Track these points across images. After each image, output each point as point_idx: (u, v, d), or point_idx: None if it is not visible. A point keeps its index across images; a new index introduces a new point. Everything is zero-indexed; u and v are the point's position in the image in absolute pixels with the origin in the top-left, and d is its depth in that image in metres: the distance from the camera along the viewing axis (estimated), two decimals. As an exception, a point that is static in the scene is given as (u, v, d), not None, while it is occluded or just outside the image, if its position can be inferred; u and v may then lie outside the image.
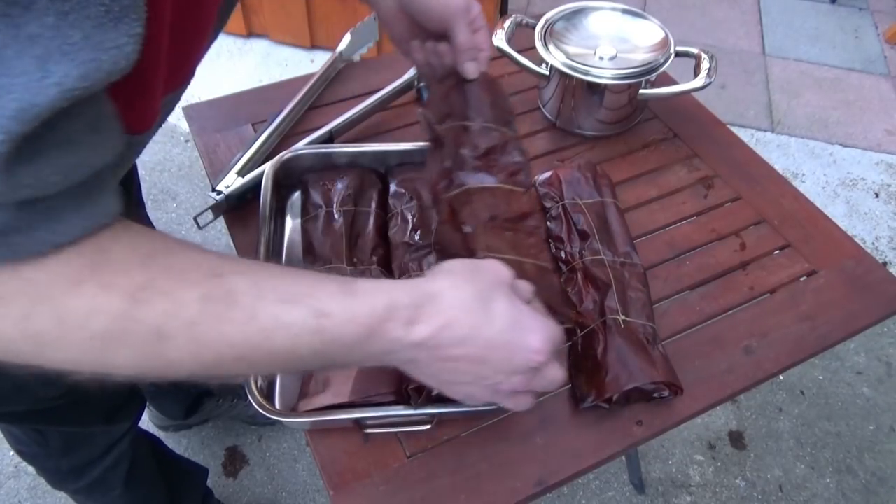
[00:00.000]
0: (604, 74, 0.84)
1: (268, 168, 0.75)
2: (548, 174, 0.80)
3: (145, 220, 0.93)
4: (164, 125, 0.58)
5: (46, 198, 0.31)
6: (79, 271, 0.33)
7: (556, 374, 0.48)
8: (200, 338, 0.35)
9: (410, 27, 0.66)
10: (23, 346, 0.33)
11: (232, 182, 0.78)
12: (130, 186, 0.89)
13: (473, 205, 0.61)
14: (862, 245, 0.80)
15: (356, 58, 1.00)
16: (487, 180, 0.63)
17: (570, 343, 0.69)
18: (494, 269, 0.47)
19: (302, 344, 0.38)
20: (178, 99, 0.51)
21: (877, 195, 1.97)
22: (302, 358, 0.39)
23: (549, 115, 0.94)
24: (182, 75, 0.47)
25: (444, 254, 0.61)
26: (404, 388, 0.59)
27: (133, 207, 0.88)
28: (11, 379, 0.69)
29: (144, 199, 1.66)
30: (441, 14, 0.61)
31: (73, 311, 0.32)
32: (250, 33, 2.25)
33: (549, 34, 0.89)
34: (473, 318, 0.43)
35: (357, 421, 0.61)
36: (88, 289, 0.32)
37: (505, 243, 0.59)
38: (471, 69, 0.63)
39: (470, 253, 0.58)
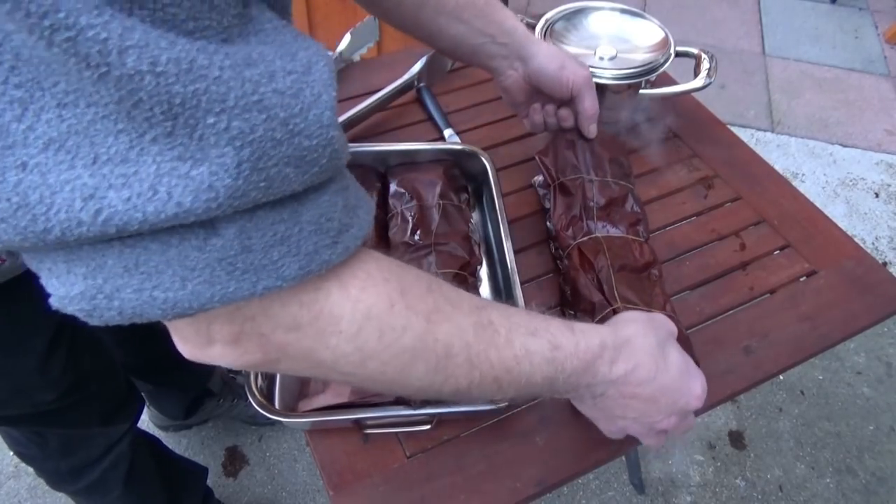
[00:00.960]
0: (604, 74, 0.84)
1: (268, 168, 0.75)
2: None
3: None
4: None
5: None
6: (391, 294, 0.37)
7: (694, 420, 0.55)
8: (474, 358, 0.40)
9: (531, 93, 0.74)
10: (351, 357, 0.37)
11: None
12: None
13: (605, 253, 0.68)
14: (862, 245, 0.80)
15: (356, 58, 1.00)
16: (613, 231, 0.71)
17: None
18: (666, 323, 0.54)
19: (539, 371, 0.43)
20: None
21: (877, 195, 1.97)
22: (535, 384, 0.44)
23: (549, 115, 0.94)
24: None
25: (575, 296, 0.69)
26: (404, 389, 0.59)
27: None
28: (10, 382, 0.69)
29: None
30: (572, 85, 0.70)
31: (391, 327, 0.37)
32: (250, 33, 2.25)
33: (549, 34, 0.89)
34: (655, 364, 0.50)
35: (357, 421, 0.61)
36: (400, 310, 0.37)
37: (634, 293, 0.66)
38: (594, 131, 0.75)
39: (604, 299, 0.65)
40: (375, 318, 0.36)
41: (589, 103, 0.72)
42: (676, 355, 0.52)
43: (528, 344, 0.43)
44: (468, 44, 0.69)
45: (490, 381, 0.42)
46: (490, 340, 0.41)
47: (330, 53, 0.30)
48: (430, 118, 0.92)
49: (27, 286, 0.53)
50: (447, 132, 0.89)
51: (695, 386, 0.52)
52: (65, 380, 0.75)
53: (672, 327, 0.55)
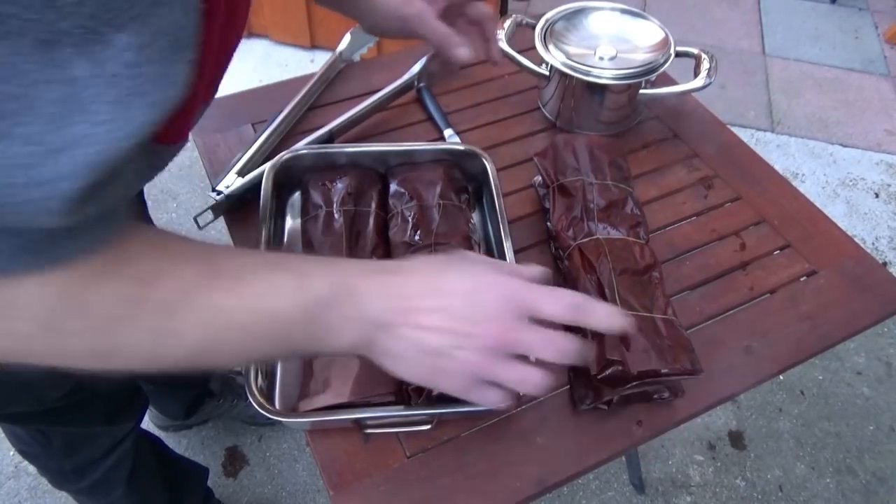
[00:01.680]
0: (604, 74, 0.84)
1: (268, 168, 0.75)
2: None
3: (147, 220, 0.93)
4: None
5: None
6: (100, 266, 0.35)
7: (527, 371, 0.45)
8: (204, 313, 0.37)
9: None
10: (45, 342, 0.36)
11: (232, 182, 0.78)
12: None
13: (607, 256, 0.68)
14: (862, 245, 0.80)
15: (356, 58, 1.00)
16: (614, 233, 0.71)
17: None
18: (460, 251, 0.52)
19: (292, 304, 0.40)
20: (205, 109, 0.54)
21: (877, 195, 1.97)
22: (293, 321, 0.40)
23: (549, 115, 0.94)
24: (216, 87, 0.50)
25: None
26: (404, 388, 0.59)
27: (138, 207, 0.88)
28: (16, 380, 0.70)
29: (145, 199, 1.65)
30: (406, 29, 0.68)
31: (96, 300, 0.35)
32: (250, 33, 2.25)
33: (549, 34, 0.89)
34: (438, 269, 0.45)
35: (357, 421, 0.61)
36: (108, 279, 0.35)
37: (635, 297, 0.65)
38: (461, 53, 0.69)
39: (603, 301, 0.63)
40: (76, 298, 0.34)
41: (436, 39, 0.69)
42: (467, 264, 0.46)
43: (272, 280, 0.40)
44: None
45: (229, 329, 0.39)
46: (222, 286, 0.38)
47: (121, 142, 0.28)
48: (430, 118, 0.92)
49: None
50: (447, 132, 0.89)
51: (506, 281, 0.44)
52: (72, 377, 0.75)
53: (467, 252, 0.51)
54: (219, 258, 0.39)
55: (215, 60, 0.43)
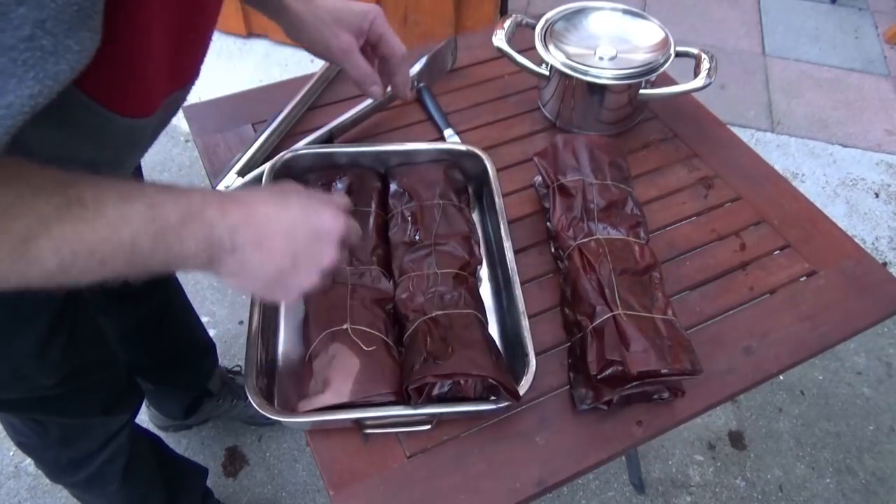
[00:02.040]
0: (604, 74, 0.84)
1: (268, 168, 0.75)
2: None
3: None
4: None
5: None
6: None
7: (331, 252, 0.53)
8: (58, 239, 0.40)
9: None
10: None
11: (232, 182, 0.78)
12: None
13: (607, 256, 0.68)
14: (862, 245, 0.80)
15: (356, 58, 1.00)
16: (614, 233, 0.71)
17: (569, 344, 0.69)
18: (285, 183, 0.55)
19: (143, 232, 0.43)
20: (184, 97, 0.54)
21: (877, 195, 1.97)
22: (145, 248, 0.44)
23: (549, 115, 0.94)
24: (189, 74, 0.49)
25: (575, 297, 0.68)
26: (404, 388, 0.60)
27: None
28: (10, 365, 0.70)
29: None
30: (330, 58, 0.72)
31: None
32: (250, 33, 2.25)
33: (549, 34, 0.89)
34: (277, 201, 0.51)
35: (357, 421, 0.61)
36: None
37: (635, 298, 0.65)
38: (374, 92, 0.75)
39: (605, 305, 0.65)
40: None
41: (355, 73, 0.73)
42: (296, 194, 0.53)
43: (123, 209, 0.43)
44: None
45: (86, 256, 0.42)
46: (77, 216, 0.41)
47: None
48: (430, 118, 0.92)
49: None
50: (447, 132, 0.89)
51: (323, 211, 0.52)
52: (64, 366, 0.75)
53: (291, 184, 0.57)
54: (77, 188, 0.42)
55: (175, 45, 0.44)
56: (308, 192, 0.55)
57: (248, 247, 0.48)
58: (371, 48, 0.75)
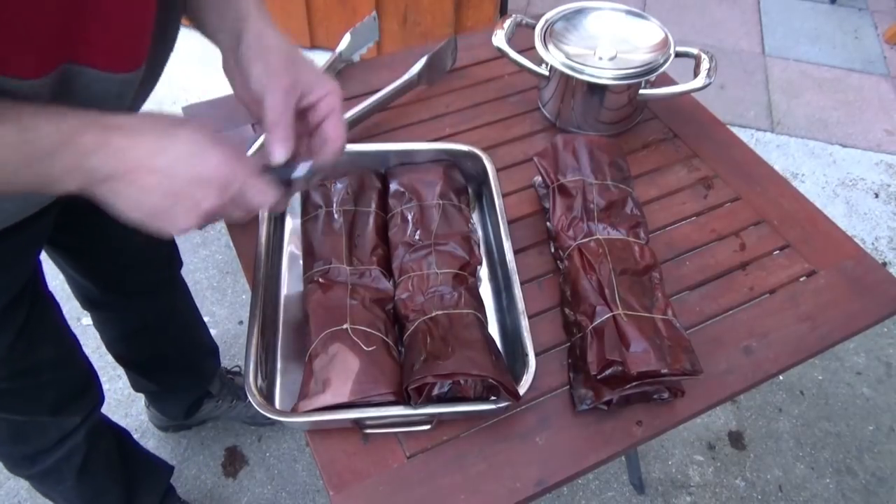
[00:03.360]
0: (604, 74, 0.84)
1: (268, 168, 0.75)
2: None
3: None
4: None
5: None
6: None
7: (257, 194, 0.51)
8: None
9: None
10: None
11: (232, 182, 0.78)
12: None
13: (607, 256, 0.68)
14: (862, 245, 0.80)
15: (356, 58, 1.00)
16: (614, 233, 0.71)
17: (569, 344, 0.69)
18: (193, 121, 0.52)
19: (10, 157, 0.43)
20: (130, 84, 0.54)
21: (876, 195, 1.97)
22: (9, 171, 0.43)
23: (549, 116, 0.94)
24: (95, 49, 0.49)
25: (575, 297, 0.68)
26: (404, 388, 0.60)
27: None
28: None
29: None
30: (248, 92, 0.59)
31: None
32: (250, 33, 2.25)
33: (549, 34, 0.89)
34: (158, 139, 0.48)
35: (357, 421, 0.61)
36: None
37: (635, 298, 0.65)
38: (275, 153, 0.56)
39: (605, 305, 0.64)
40: None
41: (268, 115, 0.56)
42: (188, 131, 0.49)
43: None
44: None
45: None
46: None
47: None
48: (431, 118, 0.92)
49: None
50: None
51: (209, 157, 0.49)
52: (13, 362, 0.75)
53: (196, 121, 0.53)
54: None
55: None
56: (206, 130, 0.51)
57: (120, 180, 0.47)
58: (305, 112, 0.59)
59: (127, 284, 0.97)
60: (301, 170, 0.54)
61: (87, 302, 1.01)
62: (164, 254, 1.01)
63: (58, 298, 0.81)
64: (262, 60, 0.57)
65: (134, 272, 0.96)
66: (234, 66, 0.60)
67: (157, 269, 1.02)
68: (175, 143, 0.48)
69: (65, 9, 0.44)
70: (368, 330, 0.64)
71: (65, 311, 0.83)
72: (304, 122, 0.59)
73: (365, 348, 0.62)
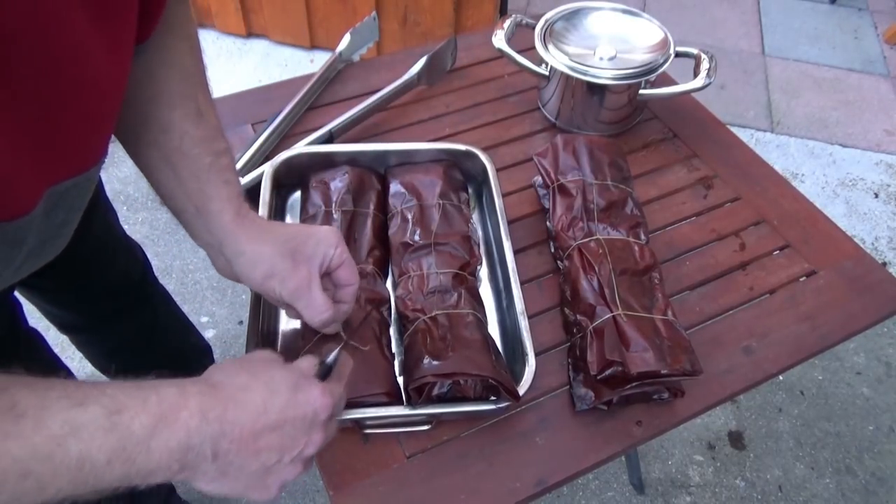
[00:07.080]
0: (604, 74, 0.84)
1: (267, 168, 0.75)
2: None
3: (118, 231, 0.90)
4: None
5: None
6: None
7: (335, 426, 0.50)
8: None
9: None
10: None
11: (232, 182, 0.78)
12: (93, 211, 0.78)
13: (607, 257, 0.68)
14: (861, 245, 0.80)
15: (356, 58, 1.00)
16: (614, 233, 0.71)
17: (569, 344, 0.69)
18: (261, 355, 0.48)
19: (96, 447, 0.35)
20: (90, 179, 0.48)
21: (876, 195, 1.97)
22: (100, 465, 0.35)
23: (549, 116, 0.94)
24: (76, 163, 0.44)
25: (574, 298, 0.68)
26: (405, 388, 0.59)
27: (103, 226, 0.84)
28: None
29: (145, 201, 1.64)
30: (280, 296, 0.57)
31: None
32: (250, 33, 2.25)
33: (549, 34, 0.89)
34: (259, 391, 0.43)
35: (357, 421, 0.61)
36: None
37: (635, 298, 0.65)
38: (332, 330, 0.60)
39: (605, 305, 0.64)
40: None
41: (309, 312, 0.56)
42: (279, 372, 0.46)
43: (74, 417, 0.34)
44: (174, 202, 0.56)
45: (17, 478, 0.32)
46: (9, 430, 0.33)
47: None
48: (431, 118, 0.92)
49: None
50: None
51: (311, 392, 0.45)
52: None
53: (270, 355, 0.49)
54: (11, 393, 0.34)
55: (42, 133, 0.37)
56: (282, 361, 0.48)
57: (232, 452, 0.41)
58: (325, 276, 0.59)
59: (101, 309, 0.95)
60: (332, 355, 0.52)
61: (63, 327, 0.98)
62: (135, 276, 0.97)
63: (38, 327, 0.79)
64: (261, 268, 0.55)
65: (106, 298, 0.93)
66: (225, 265, 0.58)
67: (129, 291, 0.98)
68: (278, 391, 0.44)
69: (36, 142, 0.38)
70: (363, 330, 0.64)
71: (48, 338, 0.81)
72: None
73: (359, 348, 0.62)
